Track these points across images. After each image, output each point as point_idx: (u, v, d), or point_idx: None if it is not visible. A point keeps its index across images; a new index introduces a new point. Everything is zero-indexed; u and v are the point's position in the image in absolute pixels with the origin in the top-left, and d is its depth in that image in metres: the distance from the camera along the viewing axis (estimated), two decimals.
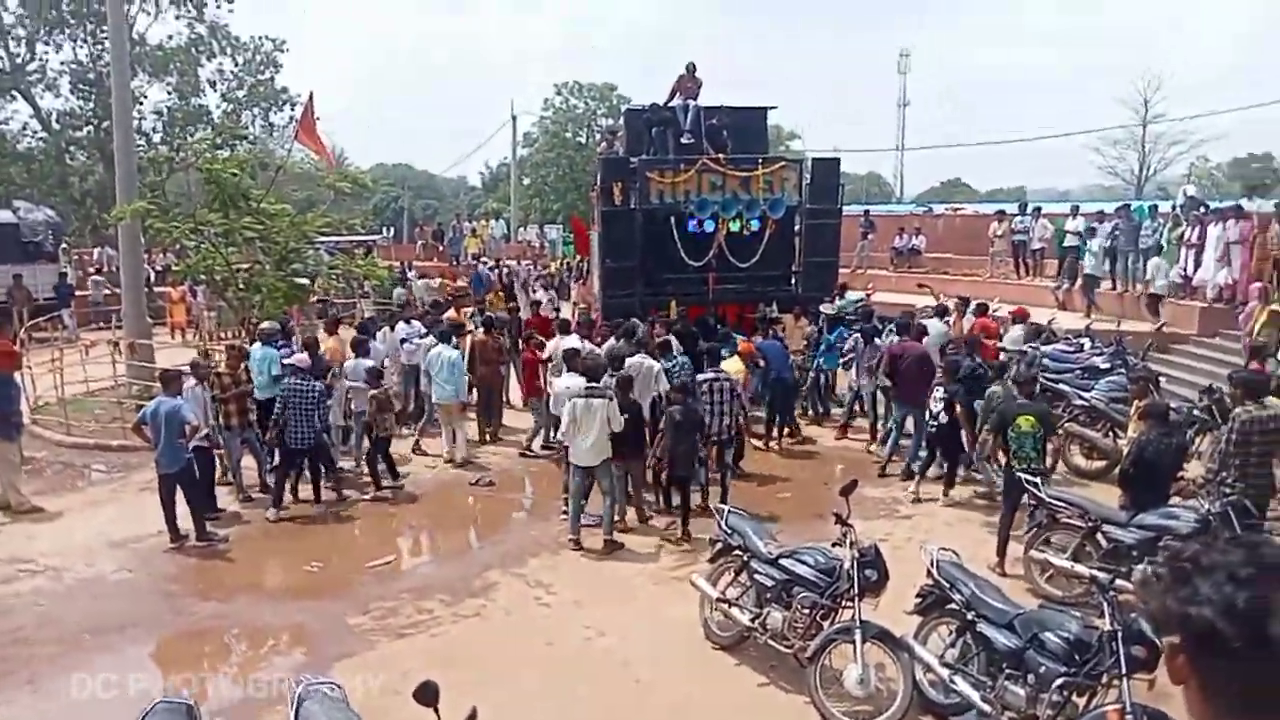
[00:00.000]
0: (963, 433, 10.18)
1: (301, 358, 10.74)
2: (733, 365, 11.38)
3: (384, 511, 10.54)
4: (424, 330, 13.78)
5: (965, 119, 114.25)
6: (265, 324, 12.14)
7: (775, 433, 12.82)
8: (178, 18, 33.14)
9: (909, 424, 11.40)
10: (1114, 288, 18.06)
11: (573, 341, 11.98)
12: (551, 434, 12.04)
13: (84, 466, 12.37)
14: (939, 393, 10.41)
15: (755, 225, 15.20)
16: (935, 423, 10.42)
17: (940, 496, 10.46)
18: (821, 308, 15.00)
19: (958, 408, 10.11)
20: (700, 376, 10.57)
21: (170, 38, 33.71)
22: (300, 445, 10.15)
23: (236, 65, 35.45)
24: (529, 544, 9.33)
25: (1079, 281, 18.41)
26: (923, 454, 10.96)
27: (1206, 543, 1.37)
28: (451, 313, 15.37)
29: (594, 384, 9.40)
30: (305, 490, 10.70)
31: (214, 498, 10.23)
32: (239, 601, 8.11)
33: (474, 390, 12.99)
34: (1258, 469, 7.69)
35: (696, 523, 9.30)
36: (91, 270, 25.80)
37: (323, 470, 10.68)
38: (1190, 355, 14.75)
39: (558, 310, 18.11)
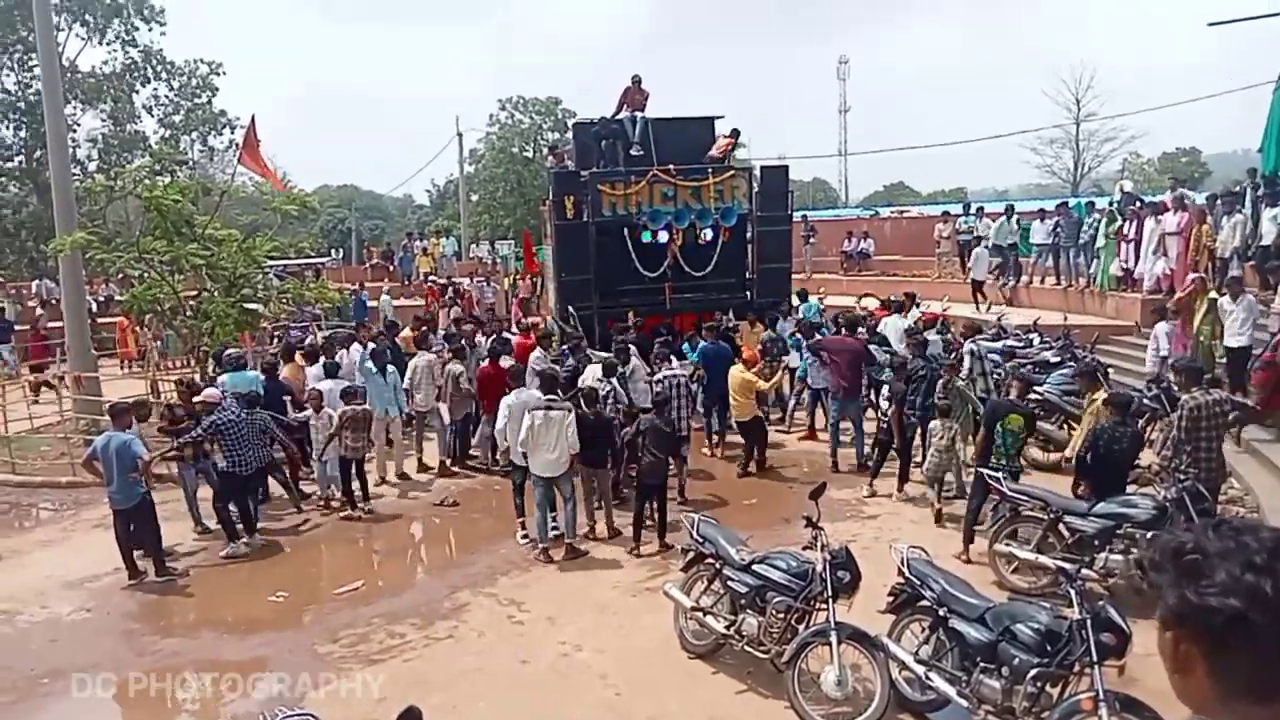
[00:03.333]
0: (907, 430, 10.40)
1: (211, 392, 10.42)
2: (735, 372, 11.52)
3: (348, 537, 10.38)
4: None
5: (904, 122, 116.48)
6: (231, 350, 11.90)
7: (716, 439, 12.81)
8: (108, 43, 32.49)
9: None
10: (1058, 282, 18.54)
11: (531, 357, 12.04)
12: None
13: (31, 505, 12.00)
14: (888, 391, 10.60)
15: (709, 234, 15.32)
16: (888, 421, 10.58)
17: (895, 492, 10.57)
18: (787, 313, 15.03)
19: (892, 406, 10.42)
20: (657, 376, 10.87)
21: (104, 63, 33.05)
22: (244, 470, 9.88)
23: (172, 90, 34.85)
24: (498, 563, 9.25)
25: (1022, 279, 18.88)
26: (868, 449, 11.24)
27: (1202, 531, 1.35)
28: (407, 332, 15.19)
29: (553, 396, 9.38)
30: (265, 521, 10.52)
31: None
32: (204, 637, 7.92)
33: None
34: (1208, 453, 7.93)
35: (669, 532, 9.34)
36: (32, 304, 25.04)
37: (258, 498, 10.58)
38: (1135, 346, 15.13)
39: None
